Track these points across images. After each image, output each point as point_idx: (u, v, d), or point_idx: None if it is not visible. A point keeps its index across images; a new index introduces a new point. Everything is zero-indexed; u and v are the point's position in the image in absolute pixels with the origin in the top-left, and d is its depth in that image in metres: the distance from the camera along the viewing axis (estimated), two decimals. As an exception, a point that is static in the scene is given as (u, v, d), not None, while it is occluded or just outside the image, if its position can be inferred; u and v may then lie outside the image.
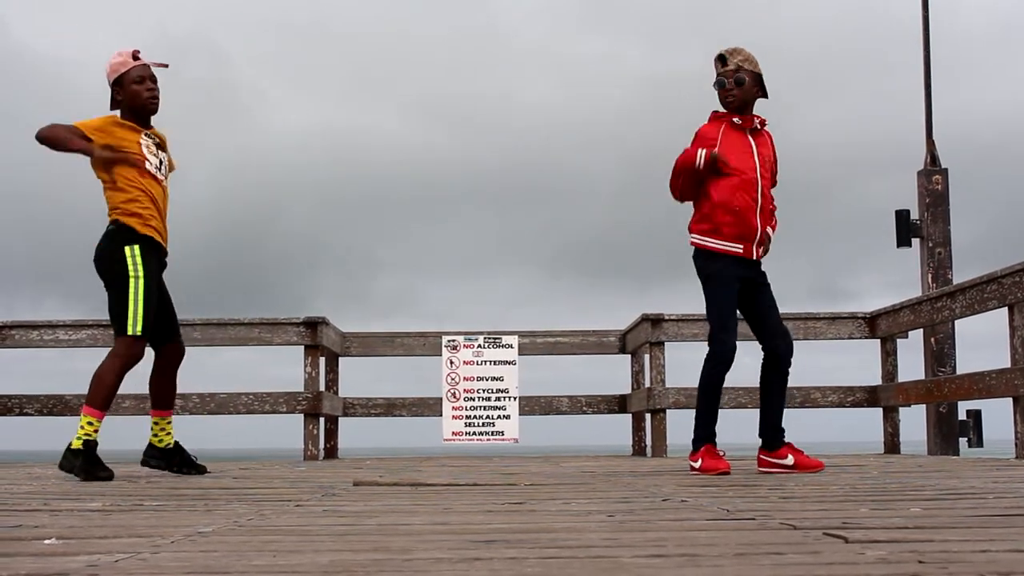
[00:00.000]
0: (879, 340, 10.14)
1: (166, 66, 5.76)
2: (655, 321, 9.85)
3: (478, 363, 10.11)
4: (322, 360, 10.21)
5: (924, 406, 11.02)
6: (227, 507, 3.55)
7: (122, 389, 5.72)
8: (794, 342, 5.84)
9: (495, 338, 10.16)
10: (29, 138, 5.48)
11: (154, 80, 5.71)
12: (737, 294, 5.67)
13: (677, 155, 5.70)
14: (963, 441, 11.14)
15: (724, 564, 1.97)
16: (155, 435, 5.98)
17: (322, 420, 10.18)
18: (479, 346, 10.13)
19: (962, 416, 11.14)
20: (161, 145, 5.79)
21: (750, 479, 5.09)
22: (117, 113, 5.74)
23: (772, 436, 5.80)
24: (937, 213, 11.61)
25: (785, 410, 5.87)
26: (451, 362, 10.14)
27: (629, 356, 10.99)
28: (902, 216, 11.70)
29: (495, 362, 10.13)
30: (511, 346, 10.18)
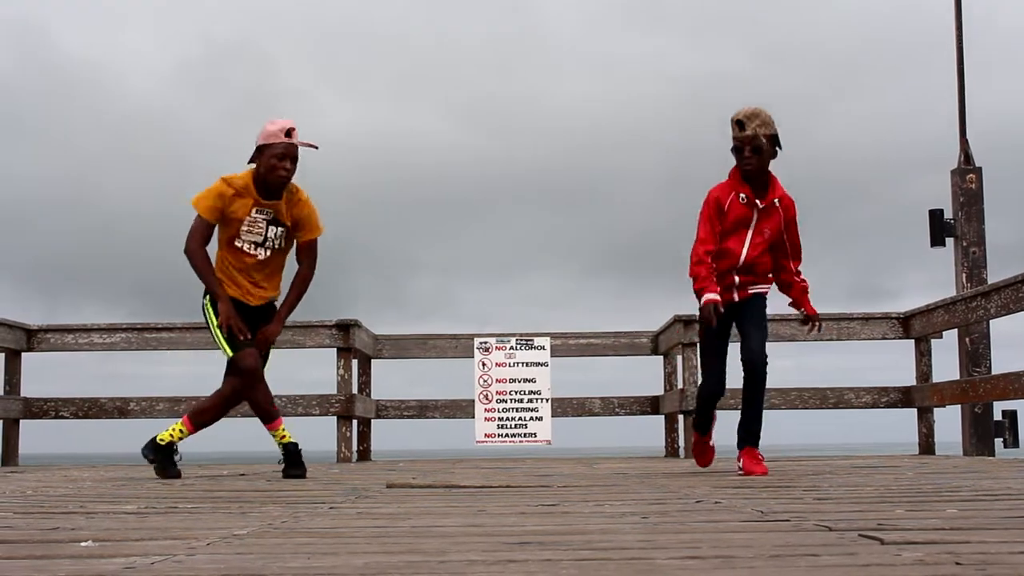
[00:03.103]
0: (913, 340, 10.08)
1: (316, 147, 6.00)
2: (687, 322, 9.81)
3: (510, 365, 10.11)
4: (355, 362, 10.25)
5: (959, 406, 10.93)
6: (261, 509, 3.57)
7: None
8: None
9: (527, 340, 10.16)
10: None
11: (294, 161, 5.93)
12: (721, 329, 5.82)
13: (695, 256, 5.78)
14: (999, 442, 11.04)
15: (759, 566, 1.97)
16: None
17: (355, 422, 10.21)
18: (511, 348, 10.13)
19: (998, 416, 11.04)
20: (276, 220, 6.01)
21: (784, 480, 5.07)
22: (250, 168, 6.02)
23: (739, 438, 5.91)
24: (971, 212, 11.51)
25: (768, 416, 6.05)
26: (483, 364, 10.14)
27: (661, 357, 10.96)
28: (936, 215, 11.61)
29: (527, 364, 10.13)
30: (543, 348, 10.18)
